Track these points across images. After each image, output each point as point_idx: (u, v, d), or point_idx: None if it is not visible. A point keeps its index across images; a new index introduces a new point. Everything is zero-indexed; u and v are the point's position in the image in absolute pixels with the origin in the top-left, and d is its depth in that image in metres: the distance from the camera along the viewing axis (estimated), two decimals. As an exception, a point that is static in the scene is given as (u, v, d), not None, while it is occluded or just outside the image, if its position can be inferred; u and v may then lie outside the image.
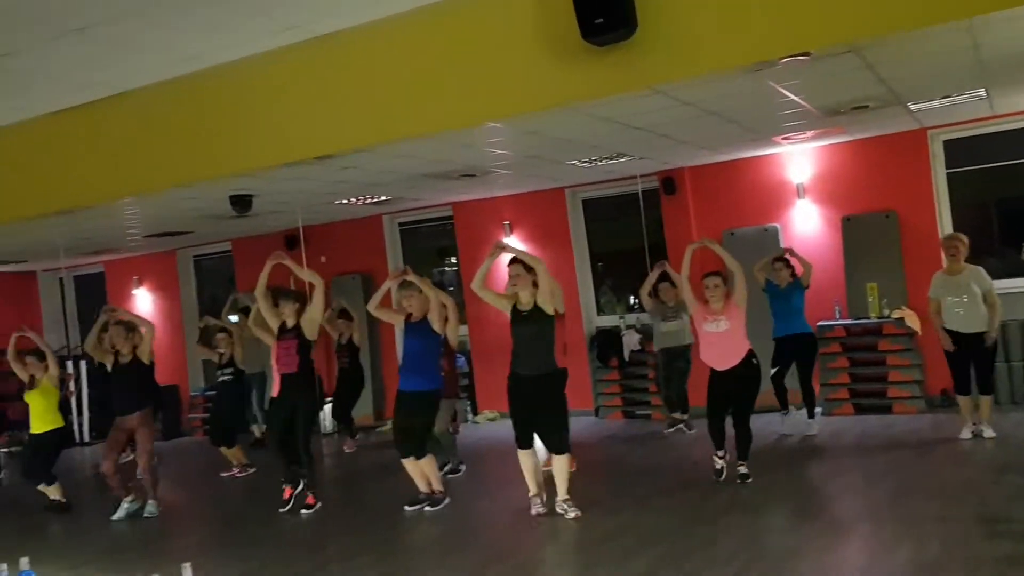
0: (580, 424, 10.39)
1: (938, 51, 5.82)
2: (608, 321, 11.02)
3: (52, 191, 5.82)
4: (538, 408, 6.31)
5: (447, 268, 12.46)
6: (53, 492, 8.31)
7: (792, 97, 6.74)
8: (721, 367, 6.80)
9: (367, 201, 10.46)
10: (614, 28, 4.09)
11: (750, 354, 6.77)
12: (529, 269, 6.31)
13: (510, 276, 6.35)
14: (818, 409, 9.05)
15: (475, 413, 11.40)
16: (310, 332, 7.33)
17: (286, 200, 9.28)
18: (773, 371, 8.31)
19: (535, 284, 6.28)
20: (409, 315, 7.10)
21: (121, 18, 4.18)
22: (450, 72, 4.70)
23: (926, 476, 6.71)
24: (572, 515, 6.28)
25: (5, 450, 11.42)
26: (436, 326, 6.98)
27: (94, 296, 14.29)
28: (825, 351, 9.29)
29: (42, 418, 8.23)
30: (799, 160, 9.70)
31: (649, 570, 5.07)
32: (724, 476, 6.83)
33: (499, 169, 8.98)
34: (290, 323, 7.37)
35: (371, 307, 7.20)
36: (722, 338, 6.77)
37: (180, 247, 13.36)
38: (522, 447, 6.41)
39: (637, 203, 10.04)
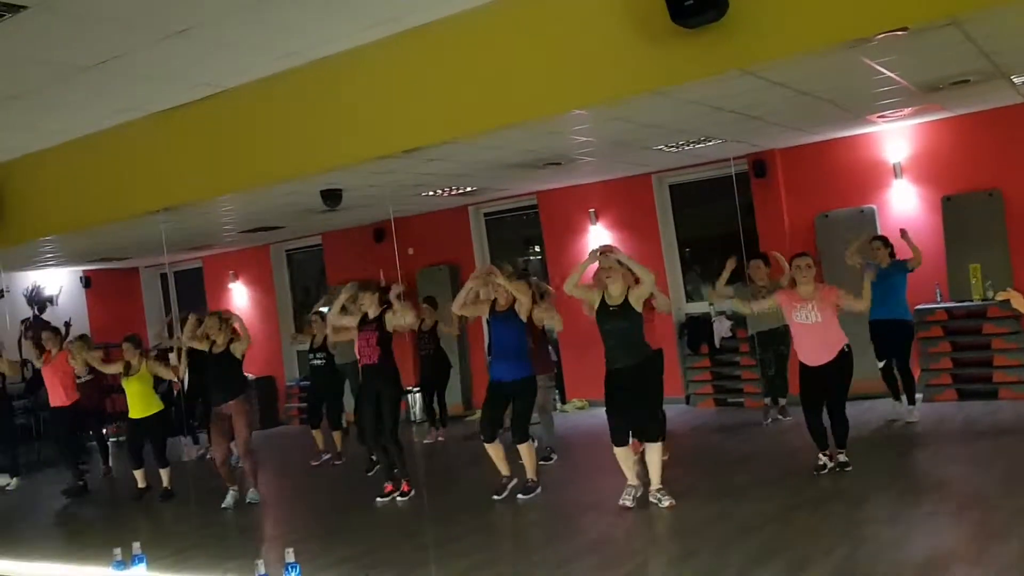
0: (671, 412, 10.18)
1: (1045, 20, 5.55)
2: (697, 308, 10.88)
3: (156, 189, 6.04)
4: (634, 398, 6.24)
5: (532, 257, 12.48)
6: (164, 477, 8.64)
7: (888, 74, 6.53)
8: (814, 362, 6.47)
9: (453, 192, 10.54)
10: (704, 9, 4.02)
11: (844, 349, 6.46)
12: (621, 263, 6.29)
13: (601, 268, 6.30)
14: (919, 395, 8.77)
15: (564, 402, 11.39)
16: (390, 324, 7.36)
17: (374, 193, 9.42)
18: (881, 365, 8.06)
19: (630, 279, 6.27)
20: (495, 303, 7.09)
21: (221, 18, 4.30)
22: (538, 60, 4.69)
23: (1038, 464, 6.46)
24: (666, 504, 6.23)
25: (113, 439, 11.92)
26: (523, 314, 6.99)
27: (193, 291, 14.79)
28: (926, 335, 9.00)
29: (142, 403, 8.54)
30: (895, 139, 9.39)
31: (750, 559, 5.00)
32: (827, 470, 6.55)
33: (584, 156, 8.94)
34: (371, 314, 7.39)
35: (456, 308, 7.21)
36: (814, 331, 6.42)
37: (273, 242, 13.69)
38: (617, 444, 6.33)
39: (724, 188, 9.86)
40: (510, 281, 6.96)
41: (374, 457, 8.13)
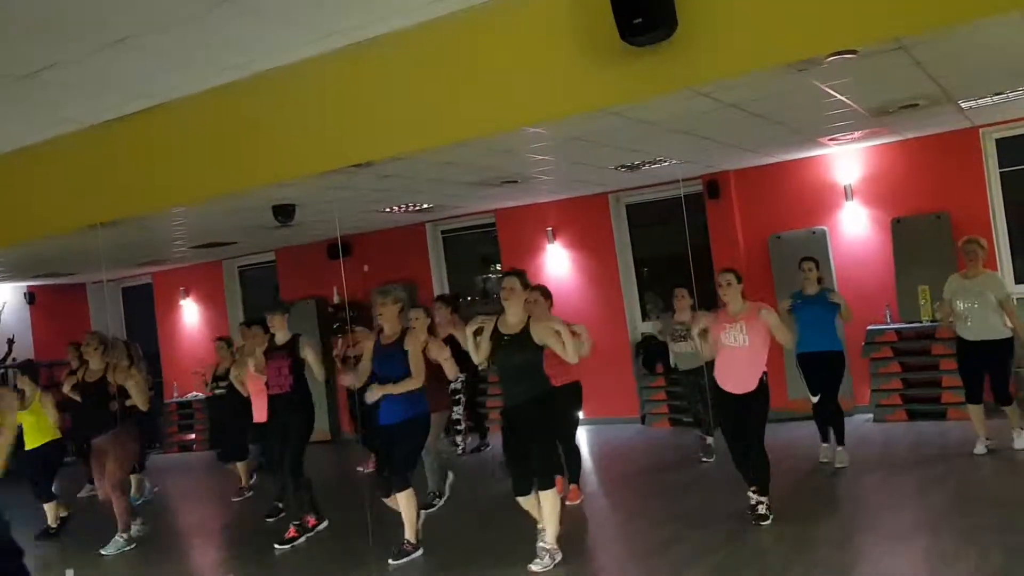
0: (627, 432, 10.29)
1: (989, 46, 5.64)
2: (653, 327, 10.86)
3: (96, 202, 5.88)
4: (529, 438, 5.53)
5: (491, 275, 12.42)
6: (50, 512, 8.07)
7: (839, 97, 6.59)
8: (735, 390, 5.98)
9: (410, 209, 10.46)
10: (653, 28, 3.99)
11: (763, 376, 6.01)
12: (526, 286, 5.72)
13: (503, 288, 5.63)
14: (869, 416, 8.82)
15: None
16: (303, 350, 6.83)
17: (328, 209, 9.30)
18: (815, 400, 7.40)
19: (530, 305, 5.73)
20: (380, 331, 6.26)
21: (162, 29, 4.20)
22: (488, 76, 4.65)
23: (984, 485, 6.52)
24: (537, 568, 5.43)
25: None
26: (411, 347, 6.13)
27: (143, 307, 14.50)
28: (876, 356, 9.10)
29: (36, 433, 8.01)
30: (847, 161, 9.50)
31: (699, 582, 4.96)
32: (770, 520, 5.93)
33: (541, 175, 8.92)
34: (280, 339, 6.85)
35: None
36: (740, 356, 5.92)
37: (226, 257, 13.49)
38: (517, 494, 5.58)
39: (682, 207, 9.89)
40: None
41: (280, 504, 7.71)
